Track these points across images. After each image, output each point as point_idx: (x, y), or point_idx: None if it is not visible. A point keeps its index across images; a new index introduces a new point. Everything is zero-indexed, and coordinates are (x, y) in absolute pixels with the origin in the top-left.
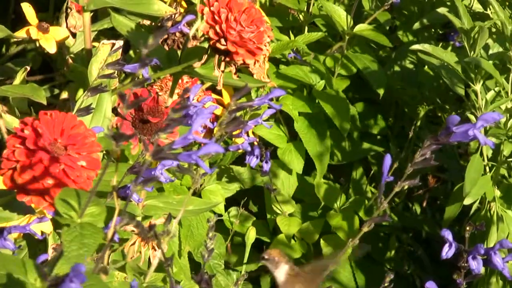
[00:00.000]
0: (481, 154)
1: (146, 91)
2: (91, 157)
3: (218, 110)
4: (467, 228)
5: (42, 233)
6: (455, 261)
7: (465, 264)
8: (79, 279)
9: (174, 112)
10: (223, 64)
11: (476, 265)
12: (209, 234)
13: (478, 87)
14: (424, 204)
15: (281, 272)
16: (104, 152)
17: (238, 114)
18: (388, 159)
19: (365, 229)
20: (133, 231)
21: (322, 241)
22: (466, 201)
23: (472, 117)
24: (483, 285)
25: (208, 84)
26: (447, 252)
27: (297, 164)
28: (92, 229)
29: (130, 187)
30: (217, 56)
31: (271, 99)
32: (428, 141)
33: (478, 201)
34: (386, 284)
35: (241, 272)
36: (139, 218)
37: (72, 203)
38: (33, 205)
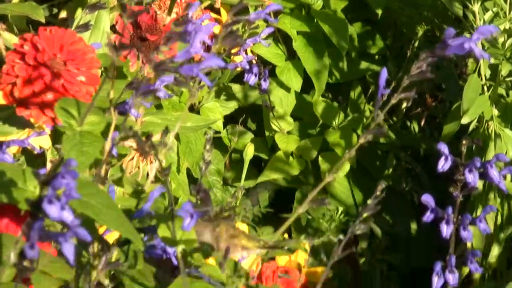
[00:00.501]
0: (479, 74)
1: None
2: (90, 72)
3: (217, 28)
4: (464, 142)
5: (40, 148)
6: (451, 175)
7: (462, 177)
8: (70, 175)
9: (175, 26)
10: None
11: (472, 178)
12: (206, 147)
13: (476, 7)
14: (423, 122)
15: None
16: (102, 70)
17: (237, 32)
18: (384, 73)
19: (362, 140)
20: (131, 146)
21: (320, 158)
22: (464, 120)
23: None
24: (481, 202)
25: (206, 3)
26: (443, 165)
27: (295, 82)
28: (92, 138)
29: (129, 102)
30: None
31: (268, 14)
32: (424, 54)
33: (475, 120)
34: (378, 193)
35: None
36: None
37: (72, 112)
38: (32, 120)
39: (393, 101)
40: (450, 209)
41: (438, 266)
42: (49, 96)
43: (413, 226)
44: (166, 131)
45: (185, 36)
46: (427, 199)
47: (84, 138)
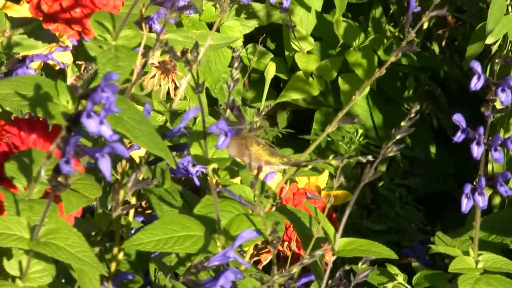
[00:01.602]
0: None
1: None
2: None
3: None
4: (496, 60)
5: (63, 63)
6: (474, 101)
7: (493, 97)
8: (110, 89)
9: None
10: None
11: (505, 98)
12: (234, 64)
13: None
14: (443, 43)
15: None
16: None
17: None
18: None
19: (392, 58)
20: (152, 63)
21: (340, 79)
22: (488, 40)
23: None
24: (503, 126)
25: None
26: (476, 83)
27: (316, 1)
28: (127, 52)
29: (154, 17)
30: None
31: None
32: None
33: (499, 41)
34: (412, 116)
35: (258, 109)
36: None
37: (106, 25)
38: (57, 33)
39: (424, 19)
40: (481, 129)
41: (467, 188)
42: (77, 10)
43: (432, 149)
44: (196, 46)
45: None
46: (459, 118)
47: (119, 52)
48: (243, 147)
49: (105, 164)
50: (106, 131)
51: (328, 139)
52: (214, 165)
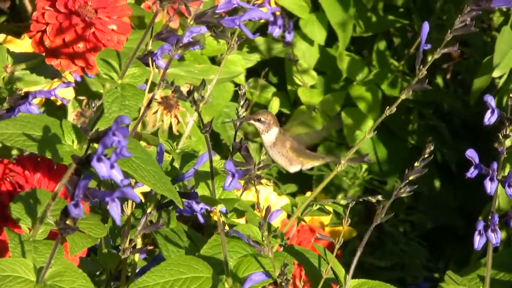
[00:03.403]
0: (511, 27)
1: None
2: (121, 21)
3: None
4: (511, 95)
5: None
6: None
7: (507, 133)
8: (122, 132)
9: None
10: None
11: None
12: (240, 102)
13: None
14: (448, 77)
15: (272, 134)
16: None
17: None
18: (426, 26)
19: (403, 96)
20: (155, 99)
21: (343, 113)
22: (495, 73)
23: None
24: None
25: None
26: (489, 118)
27: (319, 35)
28: (134, 90)
29: (158, 52)
30: None
31: None
32: (468, 7)
33: (506, 74)
34: (425, 156)
35: (260, 144)
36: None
37: (112, 63)
38: (60, 69)
39: (436, 56)
40: (495, 165)
41: (480, 224)
42: (80, 45)
43: (436, 184)
44: (203, 84)
45: None
46: (472, 154)
47: (126, 91)
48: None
49: (115, 208)
50: (117, 175)
51: None
52: (221, 206)
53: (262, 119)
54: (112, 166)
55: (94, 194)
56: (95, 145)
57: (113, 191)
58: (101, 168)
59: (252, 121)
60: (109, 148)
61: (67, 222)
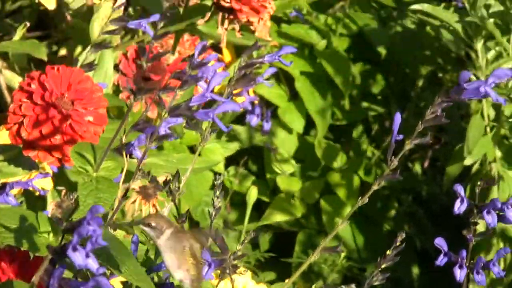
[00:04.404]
0: (482, 115)
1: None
2: (98, 112)
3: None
4: (479, 183)
5: (43, 190)
6: (456, 221)
7: (475, 220)
8: (96, 222)
9: (191, 69)
10: (226, 21)
11: (492, 220)
12: (216, 192)
13: (479, 46)
14: (425, 164)
15: (165, 236)
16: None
17: (250, 75)
18: (398, 118)
19: (375, 186)
20: (133, 188)
21: (322, 201)
22: (467, 161)
23: (473, 78)
24: (484, 248)
25: (209, 42)
26: (459, 207)
27: (298, 123)
28: (108, 183)
29: (134, 143)
30: (221, 13)
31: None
32: (439, 98)
33: (479, 162)
34: (398, 244)
35: (240, 231)
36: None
37: (87, 157)
38: (37, 161)
39: (407, 146)
40: (464, 253)
41: None
42: (57, 137)
43: (415, 270)
44: (177, 175)
45: (200, 79)
46: (440, 242)
47: (100, 184)
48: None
49: None
50: (92, 264)
51: (311, 262)
52: None
53: (153, 224)
54: (87, 255)
55: (69, 284)
56: (70, 236)
57: (87, 281)
58: (77, 257)
59: (142, 226)
60: (84, 237)
61: None
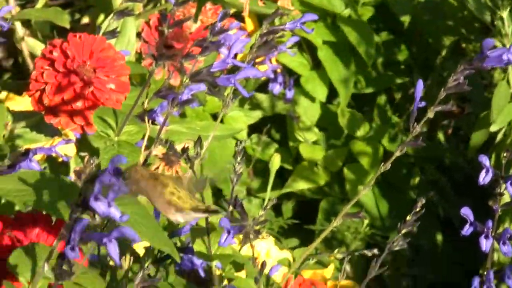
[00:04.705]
0: (508, 82)
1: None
2: (120, 80)
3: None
4: (505, 154)
5: (66, 156)
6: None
7: (501, 191)
8: (118, 172)
9: (213, 35)
10: None
11: None
12: (237, 158)
13: (505, 14)
14: (449, 133)
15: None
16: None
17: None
18: (420, 84)
19: (397, 153)
20: (156, 155)
21: (345, 170)
22: (492, 128)
23: (499, 45)
24: (510, 217)
25: (232, 10)
26: (484, 177)
27: (320, 92)
28: (130, 148)
29: (157, 110)
30: None
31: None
32: (461, 66)
33: (503, 131)
34: (418, 209)
35: (263, 199)
36: None
37: (109, 121)
38: (59, 127)
39: (430, 114)
40: (490, 223)
41: (476, 281)
42: (79, 103)
43: (438, 238)
44: (199, 141)
45: (221, 46)
46: (466, 212)
47: (122, 148)
48: (157, 187)
49: (113, 249)
50: (115, 212)
51: (334, 229)
52: (217, 262)
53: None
54: (109, 204)
55: (91, 237)
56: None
57: (110, 232)
58: (99, 206)
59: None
60: (106, 186)
61: (63, 267)
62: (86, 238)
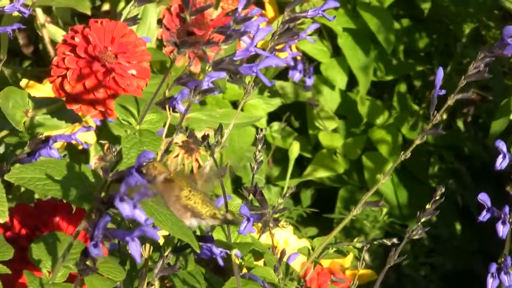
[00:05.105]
0: None
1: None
2: (141, 66)
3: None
4: None
5: (87, 144)
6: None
7: None
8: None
9: (235, 24)
10: None
11: None
12: (258, 146)
13: None
14: (468, 121)
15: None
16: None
17: (294, 29)
18: (440, 72)
19: (417, 141)
20: (176, 143)
21: (364, 158)
22: None
23: None
24: None
25: None
26: (501, 163)
27: (340, 80)
28: (152, 136)
29: (178, 97)
30: None
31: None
32: (482, 53)
33: None
34: (437, 198)
35: (282, 187)
36: None
37: (131, 109)
38: (80, 113)
39: (450, 101)
40: (507, 208)
41: (493, 267)
42: (100, 91)
43: (457, 227)
44: (220, 129)
45: (245, 34)
46: (484, 198)
47: (144, 136)
48: (173, 190)
49: (135, 248)
50: (140, 215)
51: (353, 218)
52: (236, 250)
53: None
54: (135, 206)
55: (114, 234)
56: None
57: (132, 231)
58: (125, 208)
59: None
60: (132, 187)
61: (87, 262)
62: (110, 235)
